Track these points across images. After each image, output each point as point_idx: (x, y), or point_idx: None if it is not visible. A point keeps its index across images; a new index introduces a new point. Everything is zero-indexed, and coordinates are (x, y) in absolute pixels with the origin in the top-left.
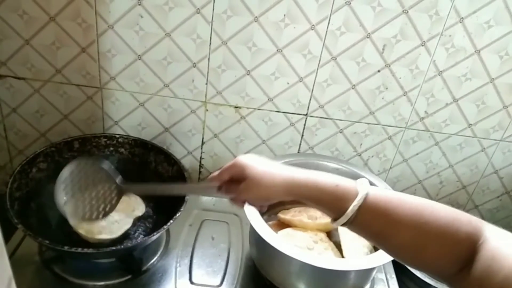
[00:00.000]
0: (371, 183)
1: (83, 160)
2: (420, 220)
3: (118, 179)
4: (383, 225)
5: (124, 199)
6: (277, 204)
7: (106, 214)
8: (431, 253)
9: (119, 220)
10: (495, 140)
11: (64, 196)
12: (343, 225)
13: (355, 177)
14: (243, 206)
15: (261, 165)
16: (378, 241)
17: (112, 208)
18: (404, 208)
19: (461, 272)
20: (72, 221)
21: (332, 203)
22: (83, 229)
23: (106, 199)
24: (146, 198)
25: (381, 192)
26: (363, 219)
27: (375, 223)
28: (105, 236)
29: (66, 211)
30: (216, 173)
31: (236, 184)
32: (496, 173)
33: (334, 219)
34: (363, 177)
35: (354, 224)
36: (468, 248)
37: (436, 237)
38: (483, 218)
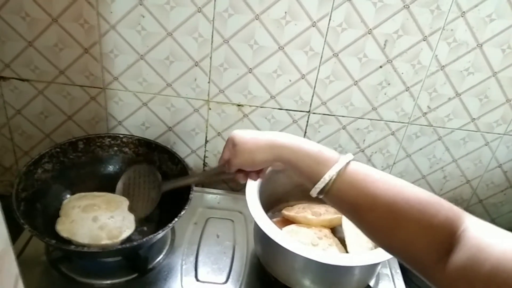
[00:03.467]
0: None
1: (138, 167)
2: (398, 196)
3: (159, 178)
4: (360, 196)
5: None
6: (281, 201)
7: (149, 209)
8: (407, 233)
9: (121, 226)
10: (499, 134)
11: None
12: (320, 193)
13: None
14: (244, 180)
15: (249, 133)
16: (353, 214)
17: (154, 204)
18: (384, 183)
19: (440, 262)
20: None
21: (311, 167)
22: (86, 238)
23: (150, 196)
24: None
25: (363, 165)
26: (340, 187)
27: (351, 194)
28: (108, 241)
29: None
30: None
31: (232, 148)
32: (500, 167)
33: (312, 185)
34: None
35: (330, 193)
36: (447, 234)
37: (414, 216)
38: (487, 212)
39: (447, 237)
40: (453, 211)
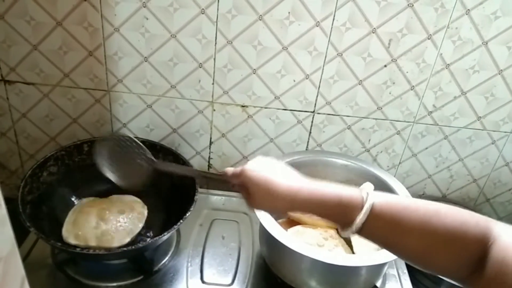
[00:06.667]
0: (380, 181)
1: (117, 137)
2: (427, 227)
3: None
4: (390, 234)
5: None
6: None
7: (141, 185)
8: (440, 259)
9: (127, 227)
10: (505, 132)
11: (108, 169)
12: (351, 234)
13: (364, 173)
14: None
15: (265, 179)
16: (386, 248)
17: (147, 182)
18: (410, 216)
19: (474, 274)
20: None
21: (337, 217)
22: (92, 240)
23: (141, 173)
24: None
25: (387, 199)
26: (370, 228)
27: (382, 233)
28: (115, 244)
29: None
30: (230, 170)
31: (245, 188)
32: (507, 165)
33: (342, 229)
34: (372, 173)
35: (361, 233)
36: (477, 251)
37: (444, 243)
38: (495, 211)
39: (478, 253)
40: (479, 226)
